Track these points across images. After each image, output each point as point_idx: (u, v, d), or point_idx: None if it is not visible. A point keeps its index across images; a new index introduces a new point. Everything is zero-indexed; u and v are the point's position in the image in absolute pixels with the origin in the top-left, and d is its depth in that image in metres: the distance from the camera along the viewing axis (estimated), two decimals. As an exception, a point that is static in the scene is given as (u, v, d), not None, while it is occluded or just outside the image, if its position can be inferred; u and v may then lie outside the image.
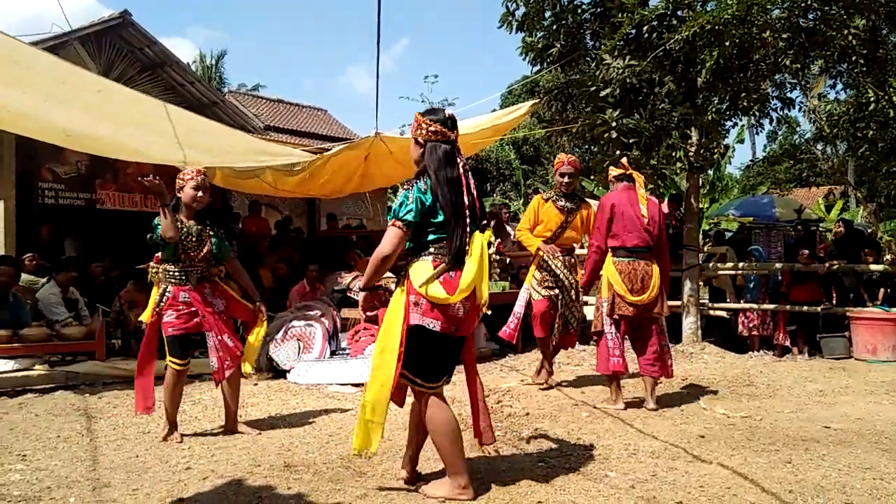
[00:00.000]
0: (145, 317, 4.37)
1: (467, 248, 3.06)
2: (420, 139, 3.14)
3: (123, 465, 3.79)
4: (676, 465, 3.67)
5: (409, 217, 2.99)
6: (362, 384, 6.07)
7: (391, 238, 3.01)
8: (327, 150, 9.86)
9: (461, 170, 3.12)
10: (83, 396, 5.74)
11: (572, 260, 5.93)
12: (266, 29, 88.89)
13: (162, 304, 4.27)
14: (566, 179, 5.80)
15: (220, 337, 4.35)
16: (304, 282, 7.98)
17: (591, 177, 11.02)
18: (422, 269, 3.05)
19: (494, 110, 24.23)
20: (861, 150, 8.19)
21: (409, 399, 3.44)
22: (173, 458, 3.91)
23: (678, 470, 3.57)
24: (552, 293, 5.80)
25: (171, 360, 4.29)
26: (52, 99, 5.58)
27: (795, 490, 3.23)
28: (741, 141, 17.81)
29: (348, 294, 7.33)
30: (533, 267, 5.95)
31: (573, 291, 5.84)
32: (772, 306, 8.42)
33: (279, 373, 6.64)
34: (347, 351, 6.80)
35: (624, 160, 5.41)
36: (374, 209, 15.29)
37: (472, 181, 3.16)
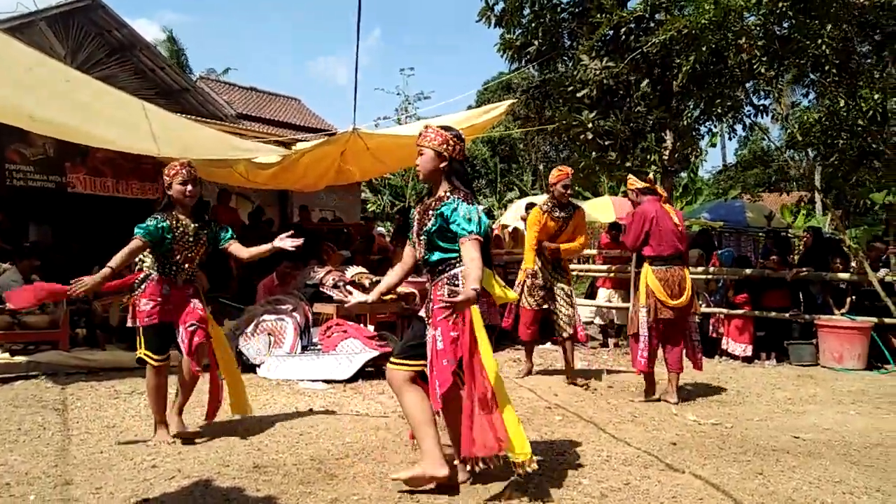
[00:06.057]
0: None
1: None
2: (446, 154, 3.31)
3: (87, 461, 3.68)
4: (649, 473, 3.67)
5: (481, 232, 3.17)
6: (333, 381, 6.04)
7: (478, 249, 3.13)
8: (301, 140, 9.74)
9: None
10: (45, 387, 5.59)
11: (563, 264, 6.34)
12: (235, 12, 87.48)
13: (140, 290, 4.09)
14: (568, 191, 6.18)
15: (184, 325, 4.13)
16: (272, 276, 7.85)
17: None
18: (487, 274, 3.26)
19: (470, 106, 24.26)
20: (832, 158, 8.30)
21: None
22: (138, 455, 3.81)
23: (651, 479, 3.57)
24: (541, 303, 6.21)
25: (146, 355, 4.08)
26: (17, 85, 5.39)
27: (767, 503, 3.24)
28: (714, 144, 18.04)
29: (321, 289, 7.24)
30: (521, 275, 6.24)
31: (564, 295, 6.24)
32: (739, 312, 8.49)
33: (249, 367, 6.52)
34: (319, 346, 6.70)
35: (651, 175, 5.98)
36: (348, 202, 15.19)
37: None
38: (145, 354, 4.10)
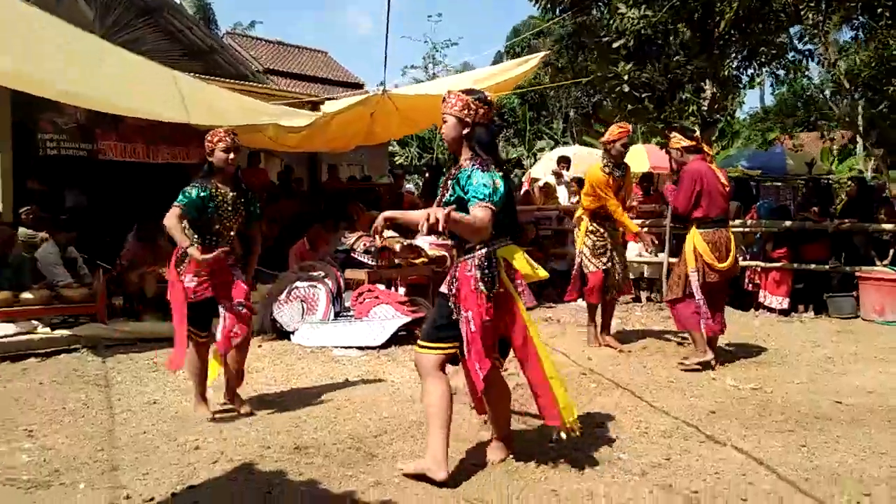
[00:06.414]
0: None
1: None
2: (468, 119, 3.16)
3: (131, 442, 3.75)
4: (689, 446, 3.63)
5: (499, 202, 3.03)
6: (366, 347, 6.08)
7: (489, 219, 2.96)
8: (330, 98, 9.64)
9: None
10: (87, 360, 5.71)
11: (617, 223, 6.19)
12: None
13: (184, 265, 4.08)
14: (626, 150, 6.00)
15: (230, 304, 4.15)
16: (303, 240, 7.86)
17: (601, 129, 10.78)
18: (517, 253, 3.22)
19: (499, 52, 23.67)
20: (881, 106, 7.97)
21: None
22: (181, 435, 3.86)
23: (691, 453, 3.53)
24: (606, 263, 6.07)
25: (190, 331, 4.12)
26: (50, 58, 5.39)
27: (812, 478, 3.19)
28: (752, 86, 17.43)
29: (352, 255, 7.23)
30: (583, 235, 6.14)
31: (619, 256, 6.21)
32: (777, 265, 8.32)
33: (283, 334, 6.60)
34: (352, 312, 6.73)
35: (697, 133, 5.67)
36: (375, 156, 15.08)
37: None
38: (191, 331, 4.13)
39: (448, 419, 3.14)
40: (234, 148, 4.11)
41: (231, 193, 4.17)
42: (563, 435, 3.25)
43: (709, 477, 3.22)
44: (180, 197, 3.99)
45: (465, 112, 3.15)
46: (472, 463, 3.37)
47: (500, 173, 3.12)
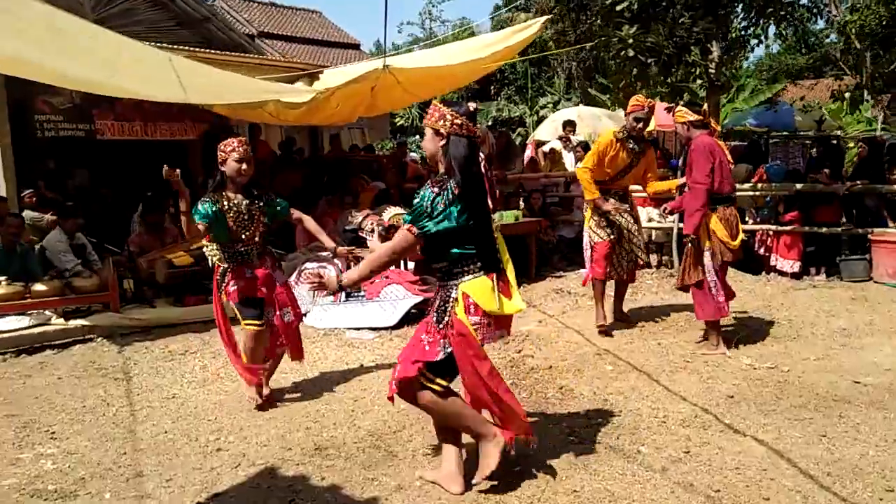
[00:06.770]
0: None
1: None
2: (444, 131, 3.01)
3: (153, 444, 3.77)
4: (709, 436, 3.64)
5: (431, 228, 2.90)
6: (379, 328, 6.09)
7: (403, 246, 2.97)
8: (328, 66, 9.46)
9: (482, 167, 3.05)
10: (103, 351, 5.73)
11: (626, 204, 6.00)
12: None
13: (224, 285, 4.24)
14: (640, 125, 5.71)
15: (279, 312, 4.33)
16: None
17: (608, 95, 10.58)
18: (484, 287, 2.98)
19: (497, 5, 23.09)
20: (892, 65, 7.78)
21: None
22: (202, 435, 3.88)
23: (711, 444, 3.54)
24: (611, 234, 5.87)
25: (247, 324, 4.24)
26: (45, 46, 5.27)
27: (833, 473, 3.19)
28: (757, 36, 17.08)
29: (359, 234, 7.18)
30: (591, 210, 5.97)
31: (633, 228, 5.97)
32: (788, 228, 8.26)
33: (295, 315, 6.59)
34: (363, 293, 6.71)
35: (705, 107, 5.60)
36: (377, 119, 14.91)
37: (490, 172, 3.15)
38: (247, 324, 4.26)
39: (459, 434, 3.15)
40: (247, 159, 4.10)
41: (245, 201, 4.17)
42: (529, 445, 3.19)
43: (729, 473, 3.23)
44: (194, 215, 4.01)
45: (441, 123, 3.00)
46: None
47: (457, 197, 2.90)
